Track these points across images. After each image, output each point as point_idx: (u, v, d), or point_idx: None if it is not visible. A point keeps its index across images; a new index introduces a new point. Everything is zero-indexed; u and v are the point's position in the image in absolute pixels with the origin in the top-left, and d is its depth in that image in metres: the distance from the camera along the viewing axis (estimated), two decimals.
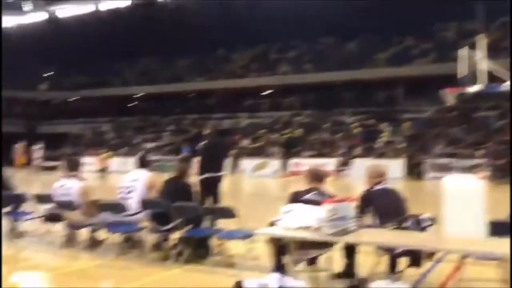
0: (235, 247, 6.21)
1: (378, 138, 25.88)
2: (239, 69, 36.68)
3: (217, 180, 7.90)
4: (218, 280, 5.36)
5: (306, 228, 4.49)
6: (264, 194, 17.47)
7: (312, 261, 5.18)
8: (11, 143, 28.52)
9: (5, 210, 7.61)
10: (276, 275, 4.09)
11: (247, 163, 25.81)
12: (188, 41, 36.32)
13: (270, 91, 34.92)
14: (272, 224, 4.95)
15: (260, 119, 33.05)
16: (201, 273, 5.55)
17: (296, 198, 5.15)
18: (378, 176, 5.43)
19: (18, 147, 28.76)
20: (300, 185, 5.55)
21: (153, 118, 37.53)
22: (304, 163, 22.82)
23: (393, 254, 4.63)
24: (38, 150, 29.43)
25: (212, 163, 7.72)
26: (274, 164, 25.22)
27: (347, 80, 30.85)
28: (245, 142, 29.70)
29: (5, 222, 7.63)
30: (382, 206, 5.09)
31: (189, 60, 39.92)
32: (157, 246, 6.45)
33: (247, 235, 5.64)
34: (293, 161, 24.80)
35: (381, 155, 23.68)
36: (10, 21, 34.04)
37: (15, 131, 38.40)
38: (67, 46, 38.13)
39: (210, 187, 7.69)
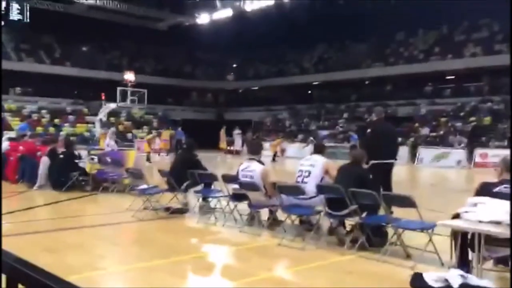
0: (413, 238, 5.97)
1: None
2: (420, 53, 34.64)
3: (386, 167, 7.58)
4: (393, 270, 5.22)
5: (497, 223, 4.10)
6: (445, 185, 16.35)
7: (501, 260, 4.70)
8: (204, 129, 31.32)
9: (197, 188, 8.55)
10: (459, 271, 3.82)
11: (426, 153, 24.40)
12: (364, 27, 35.58)
13: (453, 76, 32.32)
14: (457, 216, 4.62)
15: (442, 105, 30.85)
16: (376, 262, 5.46)
17: (485, 190, 4.71)
18: None
19: (222, 133, 31.22)
20: (488, 177, 5.06)
21: (328, 106, 37.86)
22: (492, 153, 20.73)
23: None
24: (237, 135, 31.93)
25: (379, 150, 7.42)
26: (457, 154, 23.37)
27: None
28: (424, 131, 28.08)
29: (197, 199, 8.58)
30: None
31: (365, 46, 39.14)
32: (332, 231, 6.56)
33: (426, 226, 5.35)
34: (479, 151, 22.65)
35: None
36: (204, 18, 37.53)
37: (206, 118, 42.62)
38: (251, 38, 40.57)
39: (379, 174, 7.41)
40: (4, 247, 1.57)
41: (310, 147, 26.52)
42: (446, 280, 3.66)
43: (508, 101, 27.26)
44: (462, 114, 28.68)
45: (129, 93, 24.35)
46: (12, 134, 20.48)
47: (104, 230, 7.44)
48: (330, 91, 39.69)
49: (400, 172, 18.20)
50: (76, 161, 11.68)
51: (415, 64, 33.21)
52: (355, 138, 22.55)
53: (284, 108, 40.41)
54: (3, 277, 1.34)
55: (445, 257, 5.18)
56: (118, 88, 24.22)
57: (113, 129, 20.26)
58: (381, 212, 6.18)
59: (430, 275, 3.79)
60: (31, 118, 30.21)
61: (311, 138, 29.15)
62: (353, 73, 36.47)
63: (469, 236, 4.55)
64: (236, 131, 29.51)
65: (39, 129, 29.04)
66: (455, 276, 3.66)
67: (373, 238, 5.96)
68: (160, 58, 45.55)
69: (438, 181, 17.18)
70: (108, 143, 17.03)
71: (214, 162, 21.42)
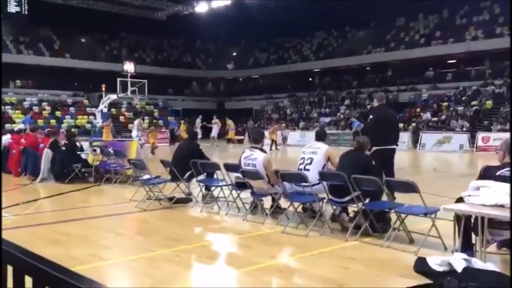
0: (416, 223, 5.98)
1: None
2: (421, 38, 34.44)
3: (388, 153, 7.56)
4: (397, 255, 5.24)
5: (500, 206, 4.10)
6: (447, 169, 16.35)
7: (504, 243, 4.71)
8: (204, 119, 31.20)
9: (200, 177, 8.56)
10: (462, 255, 3.83)
11: (428, 138, 24.38)
12: (364, 13, 35.35)
13: (454, 60, 32.16)
14: (460, 200, 4.63)
15: (443, 90, 30.76)
16: (379, 247, 5.48)
17: (488, 174, 4.70)
18: None
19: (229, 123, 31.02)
20: (491, 161, 5.06)
21: (329, 93, 37.78)
22: (494, 137, 20.71)
23: None
24: (214, 124, 31.70)
25: (381, 136, 7.40)
26: (459, 138, 23.34)
27: None
28: (426, 115, 28.04)
29: (200, 189, 8.60)
30: None
31: (365, 32, 38.92)
32: (335, 218, 6.57)
33: (429, 211, 5.36)
34: (481, 135, 22.62)
35: None
36: (202, 7, 37.27)
37: (207, 108, 42.57)
38: (250, 26, 40.36)
39: (381, 160, 7.38)
40: (9, 239, 1.58)
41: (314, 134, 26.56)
42: (450, 264, 3.67)
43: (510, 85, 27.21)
44: (463, 98, 28.61)
45: (129, 84, 24.26)
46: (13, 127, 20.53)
47: (108, 221, 7.47)
48: (331, 78, 39.60)
49: (402, 157, 18.20)
50: (78, 152, 11.71)
51: (416, 49, 33.08)
52: (357, 123, 22.42)
53: (285, 96, 40.34)
54: (10, 268, 1.34)
55: (448, 242, 5.20)
56: (118, 79, 24.13)
57: (139, 120, 20.49)
58: (384, 198, 6.19)
59: (434, 259, 3.80)
60: (33, 111, 30.19)
61: (316, 124, 29.16)
62: (354, 60, 36.35)
63: (472, 220, 4.56)
64: (213, 120, 29.44)
65: (40, 122, 29.06)
66: (458, 259, 3.67)
67: (376, 224, 5.97)
68: (159, 48, 45.42)
69: (441, 166, 17.17)
70: (137, 134, 17.51)
71: (212, 151, 21.42)
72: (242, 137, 30.86)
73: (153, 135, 21.00)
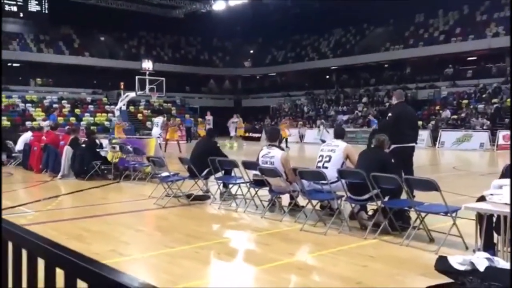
0: (435, 222, 5.92)
1: None
2: (440, 35, 33.99)
3: (407, 151, 7.48)
4: (417, 254, 5.19)
5: None
6: (467, 168, 16.13)
7: None
8: (222, 116, 31.35)
9: (217, 175, 8.59)
10: (485, 254, 3.78)
11: (447, 136, 24.07)
12: (382, 9, 35.03)
13: (475, 57, 31.68)
14: (481, 199, 4.56)
15: (463, 87, 30.32)
16: (398, 246, 5.44)
17: (510, 172, 4.63)
18: None
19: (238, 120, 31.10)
20: None
21: (347, 90, 37.54)
22: None
23: None
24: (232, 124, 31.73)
25: (400, 134, 7.32)
26: (480, 136, 22.99)
27: None
28: (445, 113, 27.68)
29: (217, 186, 8.63)
30: None
31: (384, 29, 38.56)
32: (354, 216, 6.54)
33: (450, 210, 5.29)
34: (502, 133, 22.25)
35: None
36: (220, 5, 37.37)
37: (224, 105, 42.72)
38: (267, 24, 40.31)
39: (400, 158, 7.30)
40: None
41: (322, 130, 26.55)
42: (472, 263, 3.62)
43: None
44: (484, 95, 28.16)
45: (147, 82, 24.45)
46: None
47: (127, 218, 7.56)
48: (348, 75, 39.34)
49: (421, 155, 18.01)
50: (98, 150, 11.86)
51: (436, 46, 32.64)
52: (375, 122, 22.23)
53: (302, 94, 40.21)
54: (42, 261, 1.37)
55: (469, 241, 5.13)
56: (137, 77, 24.34)
57: (164, 119, 20.74)
58: (403, 196, 6.14)
59: (455, 258, 3.75)
60: (53, 109, 30.65)
61: (322, 121, 28.98)
62: (372, 57, 36.05)
63: (494, 219, 4.49)
64: (233, 119, 29.43)
65: (60, 120, 29.47)
66: (481, 258, 3.62)
67: (396, 222, 5.93)
68: (177, 46, 45.68)
69: (461, 164, 16.95)
70: (160, 132, 17.80)
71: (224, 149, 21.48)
72: (259, 135, 30.86)
73: (173, 130, 21.31)
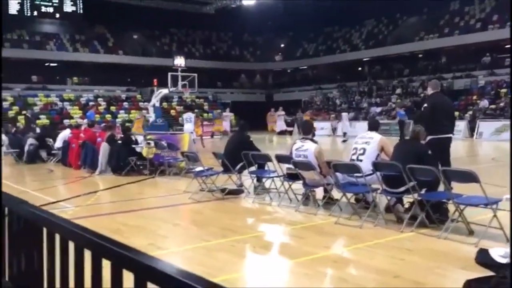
0: (475, 214, 5.79)
1: None
2: (477, 23, 32.98)
3: (444, 143, 7.30)
4: (456, 247, 5.09)
5: None
6: (507, 159, 15.61)
7: None
8: (253, 111, 31.39)
9: (251, 169, 8.63)
10: None
11: (485, 126, 23.40)
12: None
13: None
14: None
15: (501, 76, 29.36)
16: (436, 239, 5.34)
17: None
18: None
19: (269, 115, 31.06)
20: None
21: (379, 82, 36.94)
22: None
23: None
24: (279, 117, 31.79)
25: (437, 125, 7.15)
26: None
27: None
28: (483, 103, 26.89)
29: (251, 180, 8.68)
30: None
31: (417, 18, 37.70)
32: (389, 209, 6.46)
33: (491, 201, 5.16)
34: None
35: None
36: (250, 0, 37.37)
37: (256, 100, 42.78)
38: (297, 17, 40.02)
39: (437, 150, 7.13)
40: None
41: (344, 123, 26.28)
42: None
43: None
44: None
45: (179, 78, 24.69)
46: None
47: (163, 212, 7.69)
48: (381, 66, 38.68)
49: (458, 147, 17.58)
50: (133, 146, 12.09)
51: (472, 34, 31.69)
52: (402, 114, 21.92)
53: (334, 87, 39.81)
54: (88, 253, 1.42)
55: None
56: (169, 74, 24.61)
57: (195, 115, 20.99)
58: (440, 188, 6.02)
59: (497, 251, 3.67)
60: (90, 106, 31.34)
61: (344, 113, 28.54)
62: (405, 47, 35.31)
63: None
64: (279, 112, 29.02)
65: (97, 117, 30.13)
66: None
67: (433, 215, 5.82)
68: (208, 42, 45.94)
69: (500, 155, 16.43)
70: (192, 128, 17.98)
71: (264, 143, 21.50)
72: (292, 128, 30.76)
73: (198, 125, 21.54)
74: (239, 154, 8.42)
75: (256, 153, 8.54)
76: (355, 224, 6.09)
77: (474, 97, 28.52)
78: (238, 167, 8.55)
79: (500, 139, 22.02)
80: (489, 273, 3.76)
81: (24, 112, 28.86)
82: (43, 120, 30.00)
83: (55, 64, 36.50)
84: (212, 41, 46.40)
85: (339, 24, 42.51)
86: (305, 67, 44.50)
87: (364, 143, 6.90)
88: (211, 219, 7.04)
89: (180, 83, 24.64)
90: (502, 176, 9.69)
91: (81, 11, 38.85)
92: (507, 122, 23.04)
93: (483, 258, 3.82)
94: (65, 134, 14.68)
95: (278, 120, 27.48)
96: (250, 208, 7.78)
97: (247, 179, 8.94)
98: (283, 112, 27.66)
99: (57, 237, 1.69)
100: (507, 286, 3.45)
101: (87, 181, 11.11)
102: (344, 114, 28.05)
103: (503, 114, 24.67)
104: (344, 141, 23.59)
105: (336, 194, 7.27)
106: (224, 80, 43.85)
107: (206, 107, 38.21)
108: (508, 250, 3.62)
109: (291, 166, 7.48)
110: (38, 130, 21.17)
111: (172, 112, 36.61)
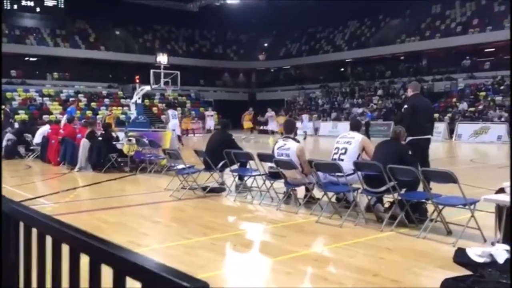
0: (453, 214, 5.87)
1: None
2: (457, 26, 33.49)
3: (423, 144, 7.39)
4: (434, 247, 5.15)
5: None
6: (485, 160, 15.93)
7: None
8: (236, 109, 31.35)
9: (233, 167, 8.62)
10: (504, 246, 3.75)
11: (464, 128, 23.80)
12: (398, 1, 34.62)
13: (493, 48, 31.15)
14: (501, 191, 4.51)
15: (481, 79, 29.88)
16: (415, 238, 5.40)
17: None
18: None
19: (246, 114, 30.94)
20: None
21: (362, 83, 37.26)
22: None
23: None
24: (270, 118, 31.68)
25: (416, 126, 7.24)
26: (497, 129, 22.68)
27: None
28: (462, 106, 27.34)
29: (233, 178, 8.66)
30: None
31: (400, 21, 38.12)
32: (370, 208, 6.51)
33: (469, 202, 5.24)
34: None
35: None
36: None
37: (239, 99, 42.73)
38: (281, 17, 40.12)
39: (416, 151, 7.20)
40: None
41: (305, 123, 26.82)
42: (491, 255, 3.60)
43: None
44: (502, 87, 27.73)
45: (162, 75, 24.52)
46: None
47: (144, 209, 7.63)
48: (363, 68, 39.03)
49: (437, 148, 17.83)
50: (114, 143, 11.96)
51: (452, 37, 32.19)
52: (369, 115, 22.97)
53: (317, 87, 40.02)
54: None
55: (487, 233, 5.08)
56: (152, 71, 24.43)
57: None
58: (420, 189, 6.09)
59: (474, 250, 3.73)
60: (71, 102, 30.92)
61: (304, 115, 28.94)
62: (387, 49, 35.73)
63: None
64: (269, 114, 29.09)
65: (78, 113, 29.73)
66: (500, 251, 3.59)
67: (413, 215, 5.89)
68: (191, 39, 45.74)
69: (478, 157, 16.75)
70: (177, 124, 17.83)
71: (246, 142, 21.49)
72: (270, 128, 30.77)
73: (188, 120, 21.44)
74: (221, 152, 8.39)
75: (238, 152, 8.52)
76: (336, 223, 6.12)
77: (454, 100, 28.97)
78: (220, 165, 8.53)
79: (478, 141, 22.42)
80: (466, 272, 3.82)
81: (3, 106, 28.32)
82: (22, 115, 29.50)
83: (35, 59, 35.92)
84: (196, 39, 46.21)
85: (322, 25, 42.73)
86: (288, 66, 44.63)
87: (345, 143, 6.94)
88: (192, 217, 7.00)
89: (162, 80, 24.47)
90: (480, 178, 9.88)
91: (62, 6, 38.32)
92: (486, 124, 23.48)
93: (461, 257, 3.88)
94: (44, 129, 14.45)
95: (270, 122, 27.70)
96: (232, 206, 7.77)
97: (229, 177, 8.92)
98: (272, 113, 27.89)
99: (34, 232, 1.65)
100: (484, 285, 3.50)
101: (66, 177, 10.96)
102: (305, 116, 28.54)
103: (482, 117, 25.12)
104: (304, 138, 24.14)
105: (317, 193, 7.30)
106: (207, 78, 43.71)
107: (188, 105, 38.04)
108: (485, 249, 3.68)
109: (273, 164, 7.48)
110: (16, 125, 20.79)
111: (154, 109, 36.37)
